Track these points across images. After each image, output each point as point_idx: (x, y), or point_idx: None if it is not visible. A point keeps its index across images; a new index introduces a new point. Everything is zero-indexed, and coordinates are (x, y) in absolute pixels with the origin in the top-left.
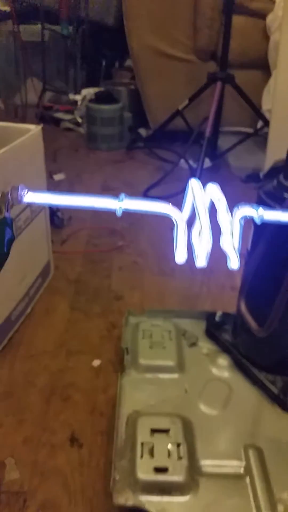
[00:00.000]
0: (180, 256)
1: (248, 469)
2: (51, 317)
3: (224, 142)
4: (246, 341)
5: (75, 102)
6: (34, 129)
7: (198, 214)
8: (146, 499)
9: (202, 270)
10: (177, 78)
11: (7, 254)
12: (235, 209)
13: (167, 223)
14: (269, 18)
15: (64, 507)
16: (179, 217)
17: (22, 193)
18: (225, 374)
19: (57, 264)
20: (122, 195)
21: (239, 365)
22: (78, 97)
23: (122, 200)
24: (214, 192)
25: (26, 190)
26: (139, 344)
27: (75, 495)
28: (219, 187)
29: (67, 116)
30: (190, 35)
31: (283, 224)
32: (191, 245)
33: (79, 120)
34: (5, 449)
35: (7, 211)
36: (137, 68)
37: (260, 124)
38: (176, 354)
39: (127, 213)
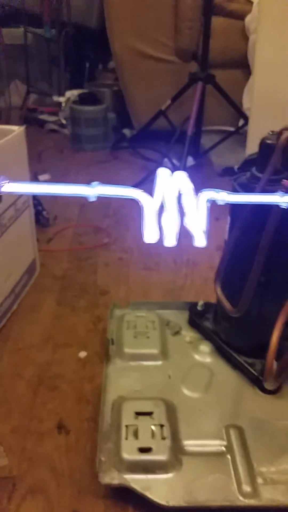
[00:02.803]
0: (149, 236)
1: (229, 447)
2: (37, 312)
3: (206, 141)
4: (226, 328)
5: (59, 103)
6: (17, 130)
7: (165, 198)
8: (131, 478)
9: (185, 263)
10: (160, 79)
11: None
12: (200, 193)
13: None
14: (248, 19)
15: (52, 490)
16: (146, 200)
17: (1, 183)
18: (207, 359)
19: (43, 262)
20: (95, 183)
21: (220, 350)
22: (62, 99)
23: (94, 187)
24: (180, 178)
25: (7, 180)
26: (124, 334)
27: (63, 478)
28: (186, 174)
29: (52, 118)
30: (171, 37)
31: (253, 212)
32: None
33: (64, 121)
34: None
35: None
36: (120, 70)
37: (241, 122)
38: (160, 343)
39: (112, 211)
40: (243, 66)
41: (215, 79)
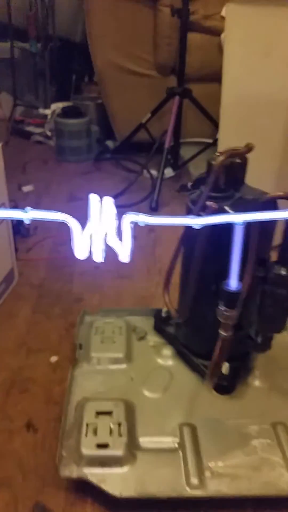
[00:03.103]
0: (79, 253)
1: (181, 444)
2: (13, 319)
3: (186, 152)
4: (185, 333)
5: (45, 116)
6: None
7: (92, 220)
8: (89, 471)
9: (158, 271)
10: (140, 93)
11: None
12: (124, 216)
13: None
14: (223, 35)
15: (17, 483)
16: (74, 223)
17: None
18: (169, 362)
19: (22, 271)
20: (28, 208)
21: (180, 354)
22: (47, 111)
23: (27, 212)
24: (107, 203)
25: None
26: (91, 339)
27: (29, 473)
28: (112, 199)
29: (38, 130)
30: (151, 52)
31: (192, 228)
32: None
33: (49, 133)
34: None
35: None
36: (102, 84)
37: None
38: (125, 347)
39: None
40: (220, 80)
41: (191, 93)
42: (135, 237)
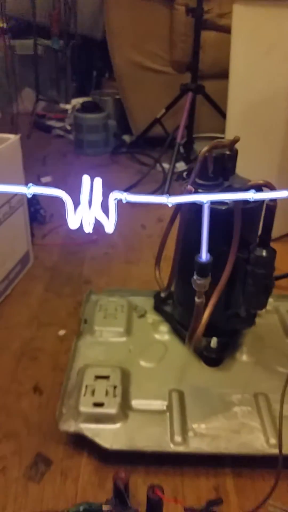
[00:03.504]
0: (72, 225)
1: (169, 406)
2: (27, 297)
3: (199, 147)
4: (180, 311)
5: (66, 111)
6: (12, 138)
7: (83, 196)
8: (85, 426)
9: (163, 258)
10: (156, 89)
11: None
12: (111, 193)
13: (138, 219)
14: None
15: (23, 436)
16: (68, 199)
17: None
18: (165, 337)
19: (37, 255)
20: (30, 184)
21: (175, 330)
22: (68, 106)
23: (29, 187)
24: (96, 183)
25: None
26: (95, 315)
27: (33, 428)
28: (100, 181)
29: (59, 124)
30: (167, 49)
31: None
32: None
33: (69, 127)
34: None
35: None
36: (120, 80)
37: None
38: (126, 323)
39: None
40: None
41: (204, 89)
42: (143, 226)
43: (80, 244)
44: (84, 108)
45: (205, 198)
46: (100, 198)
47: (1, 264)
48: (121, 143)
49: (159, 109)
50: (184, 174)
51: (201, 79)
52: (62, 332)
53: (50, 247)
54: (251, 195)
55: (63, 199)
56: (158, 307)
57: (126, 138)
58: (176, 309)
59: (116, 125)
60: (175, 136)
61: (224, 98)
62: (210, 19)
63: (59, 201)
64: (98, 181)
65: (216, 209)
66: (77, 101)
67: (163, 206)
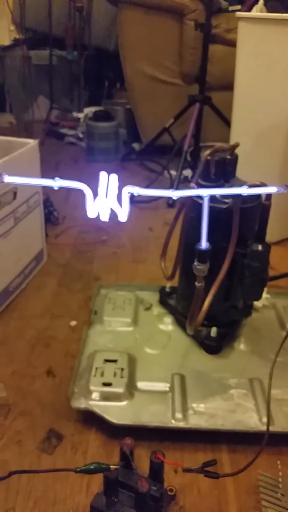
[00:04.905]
0: (90, 214)
1: (171, 388)
2: (41, 291)
3: None
4: (183, 304)
5: (78, 119)
6: (31, 143)
7: (100, 189)
8: (94, 404)
9: (169, 258)
10: (165, 99)
11: None
12: (124, 187)
13: (146, 222)
14: None
15: (36, 414)
16: (88, 191)
17: (3, 177)
18: (169, 328)
19: (50, 253)
20: (57, 178)
21: (179, 321)
22: (80, 115)
23: (56, 180)
24: (112, 178)
25: (6, 175)
26: (104, 307)
27: (46, 407)
28: (116, 176)
29: (71, 132)
30: (176, 62)
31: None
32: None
33: (81, 135)
34: None
35: None
36: (130, 90)
37: None
38: (133, 314)
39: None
40: None
41: (211, 100)
42: (151, 228)
43: (90, 244)
44: (96, 116)
45: (205, 192)
46: (116, 191)
47: (18, 259)
48: (131, 151)
49: (168, 119)
50: (189, 177)
51: (208, 90)
52: (73, 323)
53: (62, 246)
54: (244, 190)
55: (84, 192)
56: (163, 301)
57: (136, 146)
58: (179, 302)
59: (126, 134)
60: (183, 145)
61: (230, 109)
62: (218, 33)
63: (71, 204)
64: (114, 176)
65: (217, 208)
66: (89, 110)
67: (169, 210)
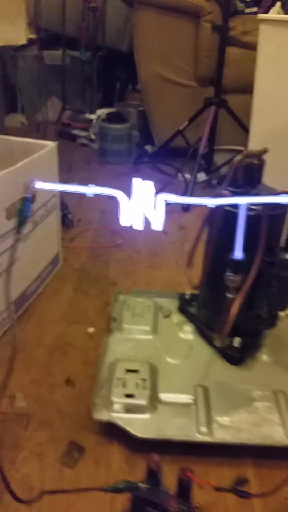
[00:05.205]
0: (124, 222)
1: (195, 400)
2: (57, 296)
3: (219, 158)
4: (205, 313)
5: (90, 120)
6: (50, 144)
7: (135, 196)
8: (117, 416)
9: (185, 264)
10: (180, 102)
11: (27, 216)
12: (158, 195)
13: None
14: None
15: (57, 425)
16: (123, 198)
17: (35, 183)
18: (189, 337)
19: (66, 257)
20: (91, 185)
21: (200, 330)
22: (93, 116)
23: (90, 187)
24: (148, 185)
25: (37, 181)
26: (124, 314)
27: (66, 418)
28: (152, 183)
29: (83, 133)
30: (192, 64)
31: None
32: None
33: (93, 137)
34: (16, 386)
35: (28, 193)
36: (145, 92)
37: None
38: (152, 322)
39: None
40: None
41: (227, 103)
42: (166, 233)
43: (106, 247)
44: (110, 118)
45: (243, 201)
46: (152, 199)
47: (35, 263)
48: (143, 153)
49: (181, 121)
50: (214, 181)
51: (223, 93)
52: (91, 330)
53: (77, 250)
54: (284, 199)
55: (118, 199)
56: (183, 308)
57: (148, 148)
58: (201, 311)
59: (139, 136)
60: (198, 148)
61: (245, 112)
62: (234, 36)
63: (85, 207)
64: (149, 184)
65: (227, 211)
66: (101, 112)
67: (184, 214)
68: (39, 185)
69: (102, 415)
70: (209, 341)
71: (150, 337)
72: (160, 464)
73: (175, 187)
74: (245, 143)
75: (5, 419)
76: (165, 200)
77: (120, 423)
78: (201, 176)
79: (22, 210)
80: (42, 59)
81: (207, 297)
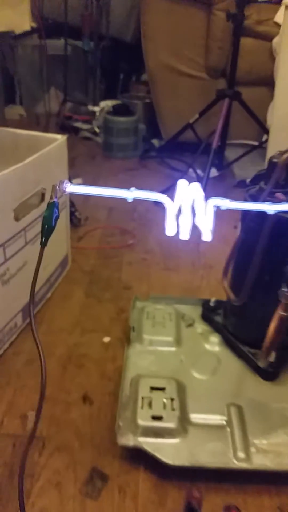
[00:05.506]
0: (169, 231)
1: (229, 421)
2: (68, 301)
3: (231, 153)
4: (234, 322)
5: (94, 112)
6: (60, 138)
7: (182, 203)
8: (144, 441)
9: (202, 265)
10: (189, 94)
11: (54, 228)
12: (208, 200)
13: None
14: (275, 40)
15: (75, 449)
16: (170, 204)
17: (66, 185)
18: (216, 348)
19: (74, 258)
20: (133, 188)
21: (227, 341)
22: (96, 109)
23: (132, 191)
24: (195, 187)
25: (69, 183)
26: (143, 323)
27: (85, 441)
28: (200, 185)
29: (86, 126)
30: (202, 54)
31: (254, 218)
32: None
33: (97, 130)
34: (28, 405)
35: (56, 197)
36: (152, 84)
37: (265, 137)
38: (175, 332)
39: (138, 215)
40: (269, 84)
41: (241, 96)
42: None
43: (117, 248)
44: (115, 111)
45: None
46: (203, 204)
47: (44, 266)
48: (150, 147)
49: (191, 114)
50: (248, 180)
51: (235, 85)
52: (106, 339)
53: (86, 250)
54: None
55: (164, 205)
56: (207, 317)
57: (155, 142)
58: (229, 319)
59: (145, 129)
60: (210, 142)
61: (258, 106)
62: (248, 25)
63: (93, 204)
64: (196, 185)
65: (282, 218)
66: (105, 104)
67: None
68: (71, 188)
69: (128, 440)
70: (239, 353)
71: (173, 348)
72: (201, 501)
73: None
74: (257, 137)
75: (17, 443)
76: (215, 205)
77: (149, 449)
78: (213, 172)
79: (49, 218)
80: (45, 49)
81: (237, 305)
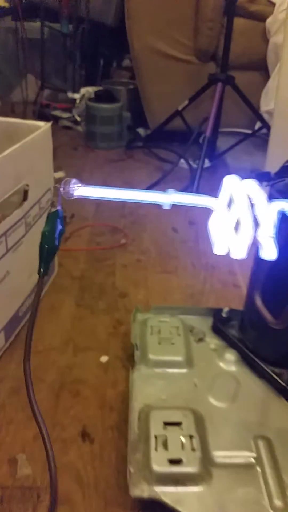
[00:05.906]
0: (220, 249)
1: (258, 458)
2: (57, 313)
3: (222, 143)
4: (253, 336)
5: (74, 100)
6: (43, 126)
7: (237, 208)
8: (161, 490)
9: (204, 266)
10: (177, 79)
11: (57, 249)
12: (271, 202)
13: (167, 222)
14: (269, 21)
15: (78, 502)
16: (222, 210)
17: (74, 187)
18: (233, 368)
19: (61, 262)
20: (171, 190)
21: (246, 359)
22: (76, 96)
23: (170, 194)
24: (251, 186)
25: (79, 184)
26: (147, 340)
27: (89, 489)
28: (256, 182)
29: (65, 114)
30: (191, 36)
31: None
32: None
33: (78, 118)
34: (17, 445)
35: (59, 204)
36: (137, 68)
37: (258, 125)
38: (185, 350)
39: (128, 211)
40: (262, 68)
41: (234, 80)
42: (175, 229)
43: (108, 249)
44: (98, 97)
45: None
46: (266, 210)
47: (29, 275)
48: (136, 137)
49: (179, 101)
50: (272, 173)
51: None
52: (104, 359)
53: (74, 252)
54: None
55: (214, 211)
56: (218, 329)
57: (141, 131)
58: (247, 333)
59: (130, 117)
60: (202, 130)
61: (251, 91)
62: (240, 4)
63: (77, 200)
64: (253, 184)
65: None
66: (86, 90)
67: (192, 207)
68: (80, 191)
69: (142, 491)
70: (260, 373)
71: (184, 370)
72: None
73: (177, 175)
74: (249, 125)
75: (6, 497)
76: (281, 211)
77: (168, 501)
78: (204, 163)
79: (51, 235)
80: (19, 32)
81: (256, 315)
